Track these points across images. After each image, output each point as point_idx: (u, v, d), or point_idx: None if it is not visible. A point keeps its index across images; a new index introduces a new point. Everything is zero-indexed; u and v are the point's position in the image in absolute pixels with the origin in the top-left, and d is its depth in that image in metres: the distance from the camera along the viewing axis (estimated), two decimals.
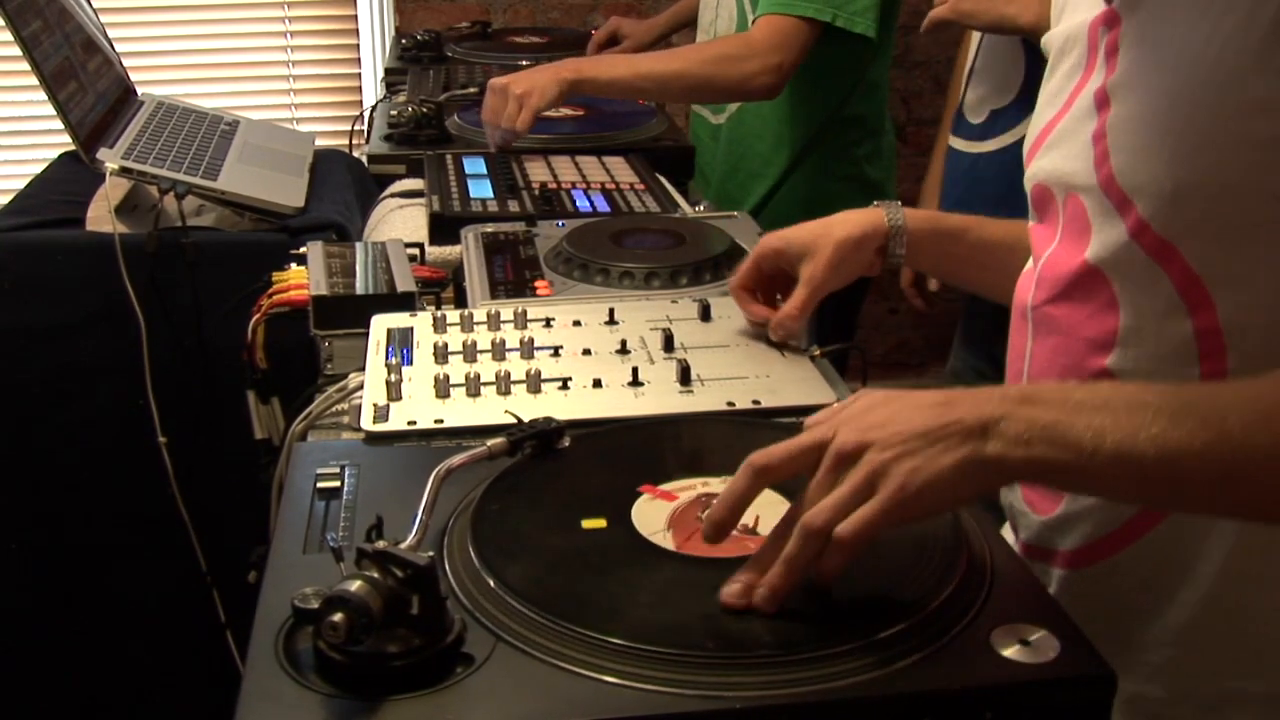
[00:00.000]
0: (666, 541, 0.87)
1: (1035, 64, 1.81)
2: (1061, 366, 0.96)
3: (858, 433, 0.79)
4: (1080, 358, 0.94)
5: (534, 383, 1.12)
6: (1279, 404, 0.75)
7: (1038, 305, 0.99)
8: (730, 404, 1.11)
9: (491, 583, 0.81)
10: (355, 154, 2.45)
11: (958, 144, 2.09)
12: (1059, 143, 0.97)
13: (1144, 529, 0.93)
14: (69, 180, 2.12)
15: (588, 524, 0.89)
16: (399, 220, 1.75)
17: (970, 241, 1.19)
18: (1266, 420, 0.74)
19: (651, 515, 0.90)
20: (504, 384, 1.12)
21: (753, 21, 2.15)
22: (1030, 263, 1.03)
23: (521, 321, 1.24)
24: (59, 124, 1.90)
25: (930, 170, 2.38)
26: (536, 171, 1.81)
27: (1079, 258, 0.94)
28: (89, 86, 2.07)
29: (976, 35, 2.05)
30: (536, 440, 0.99)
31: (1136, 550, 0.94)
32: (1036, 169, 1.00)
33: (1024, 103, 1.89)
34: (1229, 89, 0.83)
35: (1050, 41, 1.02)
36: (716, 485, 0.94)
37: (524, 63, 2.65)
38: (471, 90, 2.29)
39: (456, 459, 0.93)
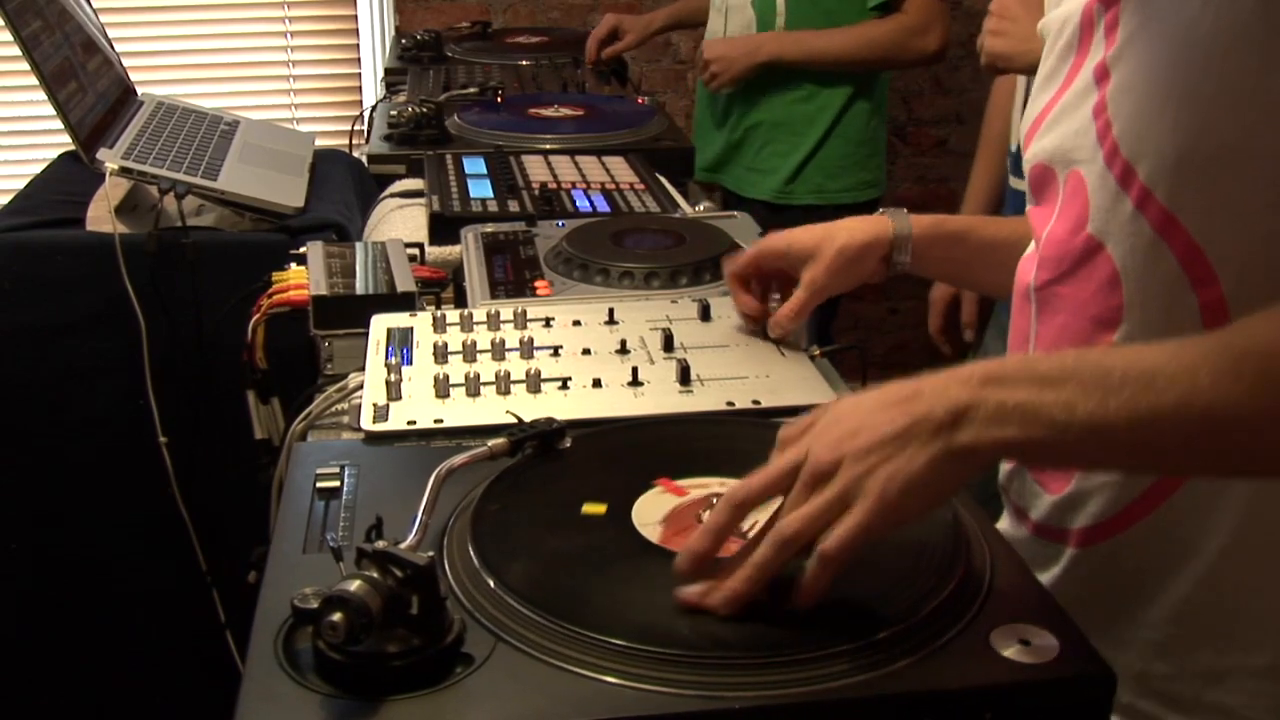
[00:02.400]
0: (653, 535, 0.87)
1: None
2: (1068, 346, 0.96)
3: (830, 448, 0.79)
4: (1086, 336, 0.94)
5: (534, 383, 1.12)
6: (1247, 352, 0.74)
7: (1041, 286, 0.99)
8: (730, 404, 1.11)
9: (491, 583, 0.81)
10: (355, 154, 2.46)
11: (1018, 184, 2.08)
12: (1059, 121, 0.97)
13: (1151, 506, 0.93)
14: (69, 180, 2.12)
15: (588, 509, 0.89)
16: (399, 220, 1.75)
17: (974, 243, 1.20)
18: (1236, 369, 0.73)
19: (653, 508, 0.90)
20: (504, 384, 1.12)
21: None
22: (1031, 246, 1.03)
23: (521, 321, 1.24)
24: (59, 124, 1.90)
25: (968, 198, 2.36)
26: (536, 171, 1.81)
27: (1080, 234, 0.94)
28: (89, 86, 2.07)
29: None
30: (538, 441, 0.99)
31: (1144, 527, 0.94)
32: (1036, 149, 1.00)
33: None
34: (1229, 49, 0.83)
35: (1047, 26, 1.02)
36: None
37: (524, 63, 2.66)
38: (471, 90, 2.30)
39: (457, 459, 0.93)
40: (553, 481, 0.96)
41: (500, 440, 0.98)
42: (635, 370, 1.14)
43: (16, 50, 1.85)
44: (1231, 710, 0.93)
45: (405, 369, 1.16)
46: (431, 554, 0.74)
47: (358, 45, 3.43)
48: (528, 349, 1.19)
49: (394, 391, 1.11)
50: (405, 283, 1.36)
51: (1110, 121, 0.90)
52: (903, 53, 2.51)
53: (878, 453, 0.77)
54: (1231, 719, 0.93)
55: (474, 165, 1.83)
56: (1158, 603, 0.94)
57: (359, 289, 1.34)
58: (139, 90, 2.35)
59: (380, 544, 0.75)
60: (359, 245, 1.48)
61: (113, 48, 2.36)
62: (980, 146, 2.32)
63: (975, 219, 1.21)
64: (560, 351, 1.19)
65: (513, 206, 1.66)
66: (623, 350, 1.20)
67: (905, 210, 1.21)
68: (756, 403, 1.11)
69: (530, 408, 1.07)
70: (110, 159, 1.89)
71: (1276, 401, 0.73)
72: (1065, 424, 0.75)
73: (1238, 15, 0.82)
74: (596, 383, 1.13)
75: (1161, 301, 0.89)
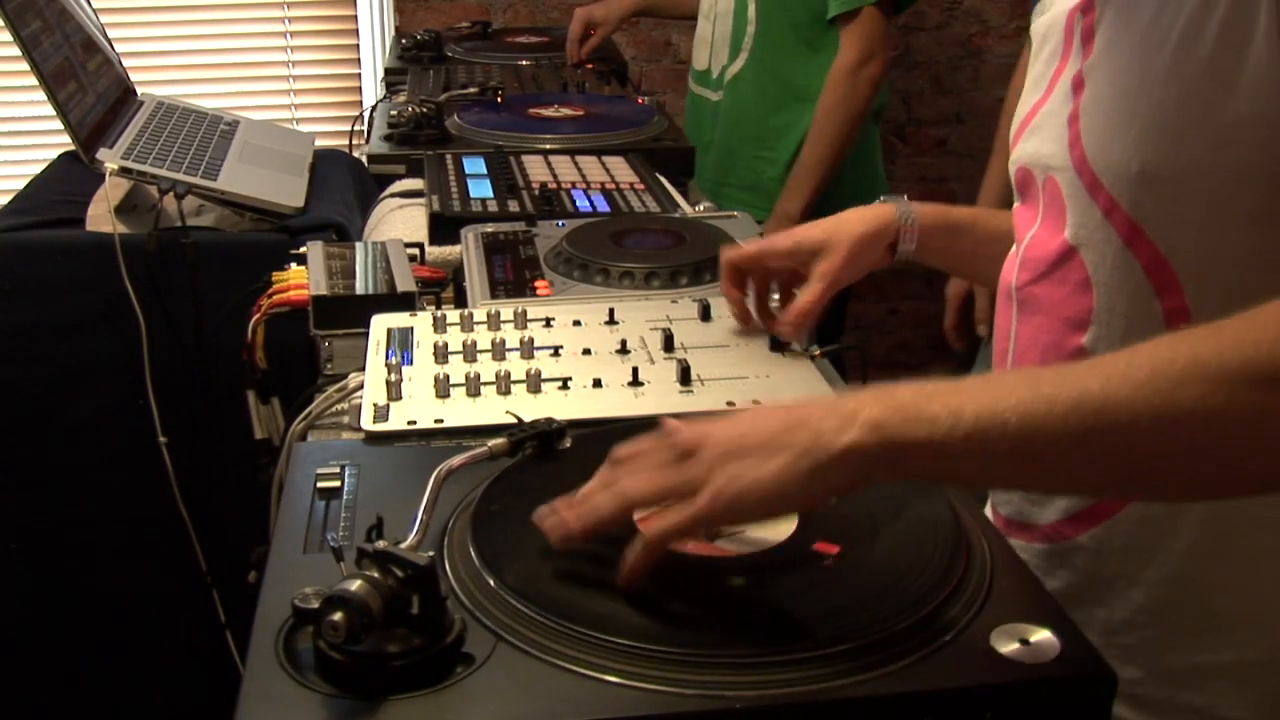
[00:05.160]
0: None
1: None
2: (1043, 345, 0.98)
3: (701, 431, 0.78)
4: (1059, 337, 0.96)
5: (534, 383, 1.12)
6: (1137, 361, 0.72)
7: (1021, 286, 1.01)
8: (730, 404, 1.11)
9: (491, 583, 0.81)
10: (355, 154, 2.46)
11: None
12: (1040, 127, 0.99)
13: (1117, 505, 0.94)
14: (69, 180, 2.12)
15: None
16: (399, 220, 1.75)
17: (978, 235, 1.20)
18: (1126, 374, 0.71)
19: None
20: (504, 384, 1.12)
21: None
22: (1014, 245, 1.05)
23: (521, 321, 1.25)
24: (59, 124, 1.90)
25: (985, 189, 2.34)
26: (536, 171, 1.81)
27: (1058, 238, 0.96)
28: (89, 86, 2.07)
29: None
30: (538, 441, 0.99)
31: (1108, 528, 0.95)
32: (1020, 153, 1.02)
33: None
34: (1191, 66, 0.84)
35: (1036, 30, 1.04)
36: None
37: (524, 63, 2.66)
38: (471, 90, 2.30)
39: (457, 459, 0.93)
40: (553, 481, 0.96)
41: (500, 440, 0.98)
42: (635, 370, 1.14)
43: (16, 50, 1.85)
44: (1202, 710, 0.94)
45: (405, 369, 1.16)
46: (432, 554, 0.75)
47: (358, 45, 3.43)
48: (528, 349, 1.19)
49: (394, 391, 1.11)
50: (405, 283, 1.36)
51: (1081, 132, 0.92)
52: (861, 94, 2.46)
53: (738, 448, 0.76)
54: (1203, 718, 0.94)
55: (474, 165, 1.83)
56: (1125, 606, 0.95)
57: (359, 289, 1.34)
58: (139, 90, 2.35)
59: (381, 544, 0.75)
60: (359, 245, 1.48)
61: (113, 48, 2.36)
62: (995, 150, 2.32)
63: (981, 211, 1.22)
64: (560, 351, 1.19)
65: (513, 206, 1.66)
66: (623, 350, 1.20)
67: (906, 198, 1.22)
68: (756, 403, 1.11)
69: (530, 408, 1.07)
70: (110, 159, 1.89)
71: (1166, 402, 0.70)
72: (950, 425, 0.72)
73: (1204, 34, 0.83)
74: (597, 383, 1.13)
75: (1127, 307, 0.91)
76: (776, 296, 1.26)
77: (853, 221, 1.20)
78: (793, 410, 0.77)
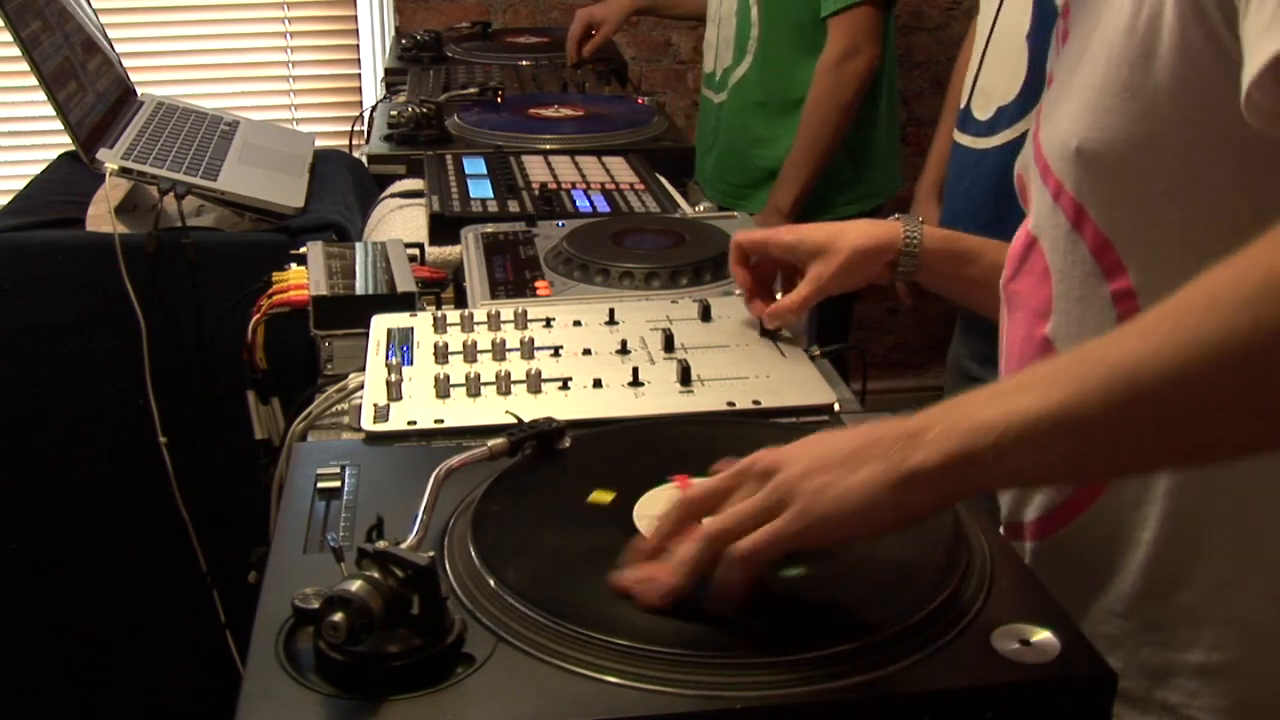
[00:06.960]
0: (646, 527, 0.87)
1: (1039, 61, 1.82)
2: (1019, 339, 0.99)
3: (779, 455, 0.79)
4: (1030, 328, 0.97)
5: (534, 383, 1.12)
6: (1155, 316, 0.71)
7: (1004, 284, 1.03)
8: (730, 404, 1.11)
9: (492, 583, 0.81)
10: (355, 154, 2.46)
11: (964, 140, 2.08)
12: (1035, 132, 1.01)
13: (1090, 498, 0.95)
14: (69, 180, 2.12)
15: (596, 496, 0.90)
16: (399, 220, 1.75)
17: (985, 264, 1.20)
18: (1144, 331, 0.70)
19: (657, 503, 0.90)
20: (504, 384, 1.12)
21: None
22: None
23: (521, 321, 1.25)
24: (59, 124, 1.90)
25: (926, 172, 2.38)
26: (536, 171, 1.81)
27: (1025, 232, 0.98)
28: (89, 86, 2.07)
29: (983, 33, 2.04)
30: (537, 440, 0.99)
31: (1087, 519, 0.96)
32: (1019, 160, 1.03)
33: (1027, 98, 1.89)
34: (1117, 43, 0.85)
35: None
36: None
37: (524, 63, 2.66)
38: (471, 90, 2.30)
39: (456, 459, 0.93)
40: (553, 481, 0.96)
41: (500, 440, 0.98)
42: (636, 370, 1.14)
43: (16, 50, 1.85)
44: (1174, 708, 0.94)
45: (405, 369, 1.16)
46: (432, 554, 0.75)
47: (358, 45, 3.43)
48: (528, 349, 1.19)
49: (394, 392, 1.11)
50: (405, 283, 1.36)
51: (1041, 121, 0.94)
52: (846, 88, 2.47)
53: (817, 464, 0.76)
54: (1175, 717, 0.94)
55: (474, 165, 1.83)
56: (1105, 596, 0.96)
57: (359, 289, 1.34)
58: (139, 90, 2.35)
59: (381, 544, 0.75)
60: (359, 245, 1.48)
61: (113, 48, 2.36)
62: (944, 112, 2.35)
63: (990, 242, 1.22)
64: (561, 352, 1.19)
65: (513, 206, 1.66)
66: (623, 350, 1.20)
67: (920, 219, 1.22)
68: (756, 403, 1.11)
69: (531, 408, 1.07)
70: (110, 159, 1.89)
71: (1192, 345, 0.68)
72: (1004, 428, 0.71)
73: (1122, 13, 0.85)
74: (597, 383, 1.13)
75: (1079, 292, 0.92)
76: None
77: (856, 233, 1.21)
78: (864, 431, 0.78)
